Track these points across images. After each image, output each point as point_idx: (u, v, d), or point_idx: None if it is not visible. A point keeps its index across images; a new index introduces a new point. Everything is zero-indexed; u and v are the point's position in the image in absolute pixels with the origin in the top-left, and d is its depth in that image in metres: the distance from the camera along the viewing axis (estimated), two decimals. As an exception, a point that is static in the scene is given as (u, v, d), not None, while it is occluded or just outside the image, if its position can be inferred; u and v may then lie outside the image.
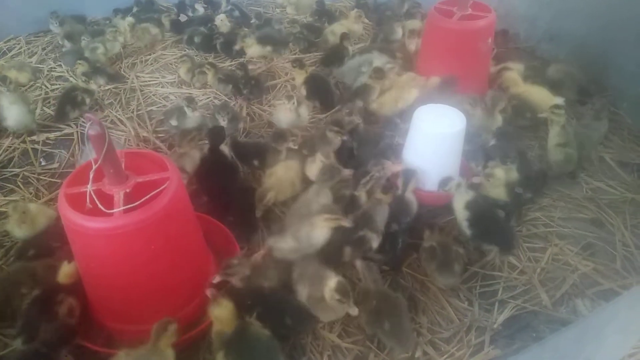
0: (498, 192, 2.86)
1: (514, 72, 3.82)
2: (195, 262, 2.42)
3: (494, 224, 2.68)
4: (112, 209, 2.02)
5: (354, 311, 2.24)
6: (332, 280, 2.25)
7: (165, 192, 2.08)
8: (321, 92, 3.88)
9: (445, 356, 2.30)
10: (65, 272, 2.33)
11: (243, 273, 2.38)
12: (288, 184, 2.99)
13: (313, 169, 2.96)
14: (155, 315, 2.22)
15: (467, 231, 2.67)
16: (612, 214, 3.05)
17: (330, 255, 2.54)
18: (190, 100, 3.55)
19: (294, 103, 3.54)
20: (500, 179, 2.85)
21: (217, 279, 2.35)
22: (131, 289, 2.19)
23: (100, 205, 2.02)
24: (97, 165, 2.04)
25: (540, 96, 3.63)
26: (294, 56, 4.67)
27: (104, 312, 2.34)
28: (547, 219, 2.99)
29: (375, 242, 2.55)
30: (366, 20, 5.10)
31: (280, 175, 3.00)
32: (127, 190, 2.09)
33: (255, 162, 3.24)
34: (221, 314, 2.13)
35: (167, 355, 2.05)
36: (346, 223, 2.45)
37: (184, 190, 2.28)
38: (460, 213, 2.70)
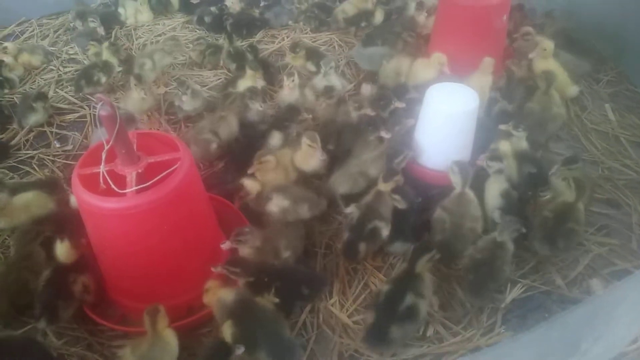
0: (509, 166, 2.80)
1: (549, 43, 3.61)
2: (207, 242, 2.44)
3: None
4: (125, 189, 2.04)
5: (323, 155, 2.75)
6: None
7: (176, 172, 2.09)
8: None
9: (456, 336, 2.31)
10: (60, 251, 2.33)
11: (253, 243, 2.41)
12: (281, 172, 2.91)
13: (302, 157, 2.87)
14: (168, 294, 2.28)
15: (498, 220, 2.56)
16: (628, 194, 2.99)
17: (347, 254, 2.57)
18: (181, 84, 3.54)
19: (293, 80, 3.49)
20: (507, 152, 2.80)
21: (227, 245, 2.38)
22: (145, 268, 2.22)
23: (113, 186, 2.04)
24: (109, 146, 2.06)
25: (559, 83, 3.48)
26: (305, 35, 4.64)
27: (118, 290, 2.38)
28: (561, 199, 2.95)
29: (385, 230, 2.53)
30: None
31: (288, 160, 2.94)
32: (140, 171, 2.11)
33: None
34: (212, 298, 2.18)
35: (169, 339, 2.08)
36: (321, 156, 2.77)
37: (196, 170, 2.30)
38: (494, 200, 2.64)
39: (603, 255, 2.66)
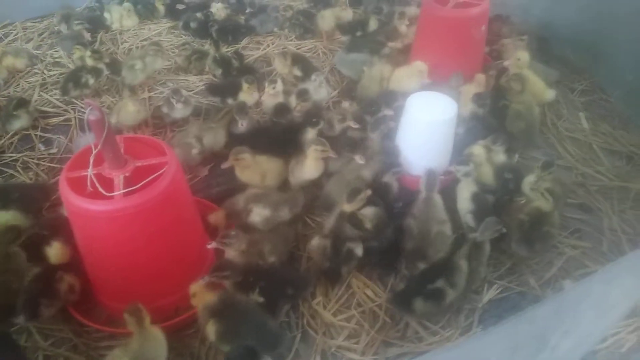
0: (484, 172, 2.90)
1: (523, 54, 3.73)
2: (193, 244, 2.48)
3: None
4: (112, 192, 2.08)
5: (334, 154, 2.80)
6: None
7: (163, 176, 2.13)
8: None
9: (435, 336, 2.39)
10: (52, 253, 2.38)
11: (239, 246, 2.46)
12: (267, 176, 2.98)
13: (309, 164, 2.89)
14: (155, 295, 2.31)
15: (471, 223, 2.68)
16: (600, 199, 3.12)
17: (332, 280, 2.61)
18: (175, 92, 3.55)
19: (273, 87, 3.55)
20: (480, 157, 2.90)
21: (212, 245, 2.43)
22: (131, 270, 2.26)
23: (100, 189, 2.08)
24: (97, 150, 2.10)
25: (535, 89, 3.65)
26: (290, 42, 4.72)
27: (105, 292, 2.41)
28: (536, 203, 3.06)
29: (358, 250, 2.57)
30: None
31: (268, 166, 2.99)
32: (127, 174, 2.15)
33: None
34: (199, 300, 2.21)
35: (157, 334, 2.11)
36: (333, 154, 2.79)
37: (182, 174, 2.34)
38: (465, 203, 2.74)
39: (576, 258, 2.77)
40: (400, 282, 2.60)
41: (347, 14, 4.74)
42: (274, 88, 3.55)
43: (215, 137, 3.24)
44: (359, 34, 4.51)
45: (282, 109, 3.35)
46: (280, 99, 3.56)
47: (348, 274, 2.63)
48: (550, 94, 3.70)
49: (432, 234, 2.58)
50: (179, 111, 3.55)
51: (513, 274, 2.68)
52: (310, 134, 3.17)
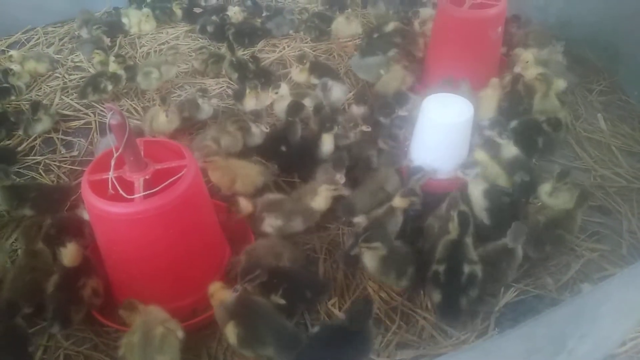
0: (495, 173, 2.90)
1: (528, 55, 3.81)
2: (211, 246, 2.52)
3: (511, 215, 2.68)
4: (133, 194, 2.12)
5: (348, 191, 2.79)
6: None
7: (183, 179, 2.17)
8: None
9: (451, 339, 2.39)
10: (66, 254, 2.40)
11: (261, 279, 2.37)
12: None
13: (319, 201, 2.81)
14: (173, 296, 2.36)
15: (487, 221, 2.69)
16: (619, 201, 3.08)
17: (347, 260, 2.63)
18: (204, 92, 3.63)
19: (276, 92, 3.54)
20: (484, 160, 2.89)
21: (236, 293, 2.25)
22: (151, 271, 2.30)
23: (121, 191, 2.12)
24: (118, 153, 2.14)
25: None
26: (305, 44, 4.75)
27: (124, 292, 2.45)
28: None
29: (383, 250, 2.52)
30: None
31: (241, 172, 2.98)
32: (147, 177, 2.19)
33: (283, 148, 3.27)
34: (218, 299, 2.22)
35: (156, 310, 2.17)
36: (345, 192, 2.75)
37: (201, 177, 2.38)
38: (479, 202, 2.73)
39: (594, 261, 2.74)
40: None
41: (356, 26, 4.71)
42: (276, 93, 3.55)
43: (233, 140, 3.26)
44: (375, 35, 4.50)
45: (295, 108, 3.33)
46: (286, 102, 3.53)
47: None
48: (561, 84, 3.64)
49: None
50: (205, 112, 3.62)
51: (530, 276, 2.66)
52: (327, 142, 3.15)
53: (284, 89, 3.60)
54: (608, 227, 2.94)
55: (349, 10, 4.80)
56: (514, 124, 3.29)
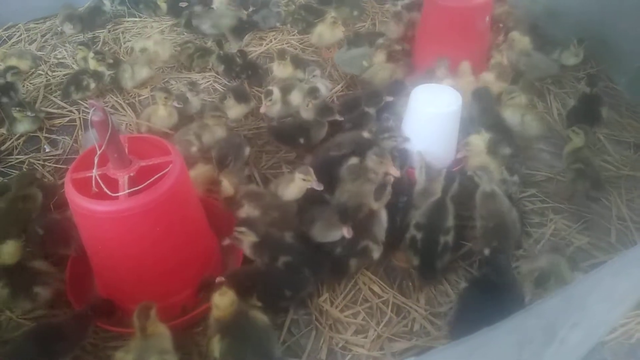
0: (480, 161, 2.88)
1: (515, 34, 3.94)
2: (199, 243, 2.49)
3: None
4: (118, 192, 2.08)
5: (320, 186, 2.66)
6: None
7: (168, 175, 2.13)
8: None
9: (441, 331, 2.38)
10: (5, 251, 2.41)
11: (250, 241, 2.46)
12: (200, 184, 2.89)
13: (292, 188, 2.77)
14: (161, 294, 2.32)
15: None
16: (608, 189, 3.08)
17: (337, 269, 2.59)
18: (193, 85, 3.59)
19: (270, 100, 3.43)
20: (478, 146, 2.88)
21: (227, 242, 2.48)
22: (138, 270, 2.27)
23: (105, 189, 2.08)
24: (101, 151, 2.10)
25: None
26: (292, 37, 4.70)
27: (112, 292, 2.42)
28: (543, 194, 3.04)
29: (376, 253, 2.56)
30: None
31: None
32: (132, 174, 2.15)
33: (301, 140, 3.24)
34: (222, 302, 2.13)
35: (162, 334, 2.10)
36: (317, 186, 2.66)
37: (187, 173, 2.34)
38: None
39: (583, 249, 2.75)
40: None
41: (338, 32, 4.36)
42: (270, 100, 3.45)
43: (212, 135, 3.22)
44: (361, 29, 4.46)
45: (325, 110, 3.26)
46: (279, 105, 3.49)
47: (356, 270, 2.63)
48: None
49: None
50: (194, 106, 3.58)
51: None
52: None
53: (276, 94, 3.48)
54: (597, 214, 2.95)
55: (330, 15, 4.33)
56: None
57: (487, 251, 2.53)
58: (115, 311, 2.36)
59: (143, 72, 4.01)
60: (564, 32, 4.20)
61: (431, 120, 2.81)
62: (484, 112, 3.21)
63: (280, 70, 3.84)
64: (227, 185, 2.79)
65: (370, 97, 3.33)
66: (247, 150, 3.18)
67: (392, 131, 2.92)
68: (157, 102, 3.43)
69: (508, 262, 2.41)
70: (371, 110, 3.27)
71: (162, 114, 3.38)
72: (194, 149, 3.16)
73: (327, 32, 4.24)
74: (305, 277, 2.47)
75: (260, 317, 2.19)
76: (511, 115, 3.27)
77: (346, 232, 2.49)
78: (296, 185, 2.73)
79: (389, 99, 3.31)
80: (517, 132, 3.23)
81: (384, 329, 2.41)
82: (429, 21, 3.87)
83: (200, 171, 2.93)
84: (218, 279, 2.25)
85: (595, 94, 3.48)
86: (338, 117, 3.23)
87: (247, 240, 2.46)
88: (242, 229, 2.44)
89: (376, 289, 2.60)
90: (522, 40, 3.91)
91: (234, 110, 3.52)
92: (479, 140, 2.90)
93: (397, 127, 3.03)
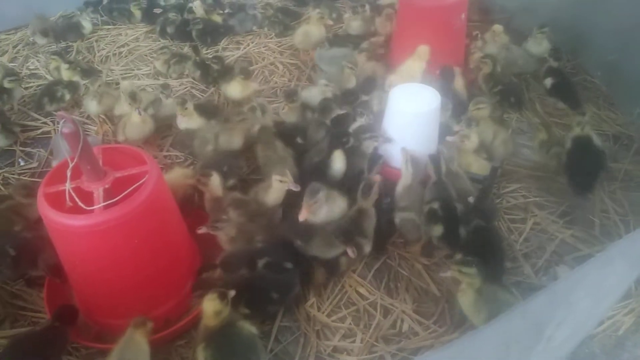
0: (466, 159, 2.90)
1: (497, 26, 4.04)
2: (180, 254, 2.43)
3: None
4: (92, 205, 2.02)
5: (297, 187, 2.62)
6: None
7: (144, 185, 2.08)
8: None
9: (428, 331, 2.37)
10: None
11: (229, 231, 2.47)
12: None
13: (271, 193, 2.73)
14: (143, 308, 2.26)
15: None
16: (590, 181, 3.10)
17: (329, 267, 2.57)
18: (165, 87, 3.53)
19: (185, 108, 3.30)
20: (473, 143, 2.90)
21: (203, 230, 2.46)
22: (117, 284, 2.21)
23: (80, 203, 2.02)
24: (73, 163, 2.04)
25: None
26: (270, 40, 4.66)
27: (92, 308, 2.36)
28: (525, 189, 3.05)
29: (367, 247, 2.55)
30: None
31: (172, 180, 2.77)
32: (106, 186, 2.09)
33: (299, 140, 3.17)
34: (209, 308, 2.09)
35: (143, 346, 2.07)
36: (294, 187, 2.62)
37: (164, 182, 2.29)
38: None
39: (568, 242, 2.76)
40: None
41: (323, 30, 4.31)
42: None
43: (230, 138, 3.15)
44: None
45: (326, 107, 3.23)
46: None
47: (345, 268, 2.61)
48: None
49: None
50: (169, 109, 3.49)
51: (508, 264, 2.65)
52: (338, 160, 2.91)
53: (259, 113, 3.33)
54: (580, 207, 2.96)
55: (316, 12, 4.34)
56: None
57: (471, 199, 2.60)
58: (77, 314, 2.28)
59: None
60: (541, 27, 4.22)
61: (411, 119, 2.79)
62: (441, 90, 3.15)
63: (185, 121, 3.38)
64: (217, 184, 2.70)
65: (346, 96, 3.32)
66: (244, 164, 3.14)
67: (373, 131, 2.89)
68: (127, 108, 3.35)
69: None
70: (348, 110, 3.24)
71: (135, 120, 3.28)
72: (210, 147, 3.08)
73: (314, 29, 4.20)
74: (290, 276, 2.43)
75: (248, 327, 2.14)
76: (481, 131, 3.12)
77: (351, 252, 2.47)
78: (275, 189, 2.69)
79: (365, 98, 3.30)
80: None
81: (372, 333, 2.38)
82: (404, 21, 3.87)
83: (177, 175, 2.87)
84: (231, 293, 2.16)
85: (561, 68, 3.73)
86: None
87: (224, 232, 2.46)
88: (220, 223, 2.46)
89: (363, 291, 2.57)
90: (503, 34, 3.96)
91: (191, 120, 3.35)
92: (476, 139, 2.92)
93: (375, 125, 3.00)
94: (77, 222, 1.98)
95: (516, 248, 2.72)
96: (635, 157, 3.28)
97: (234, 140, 3.16)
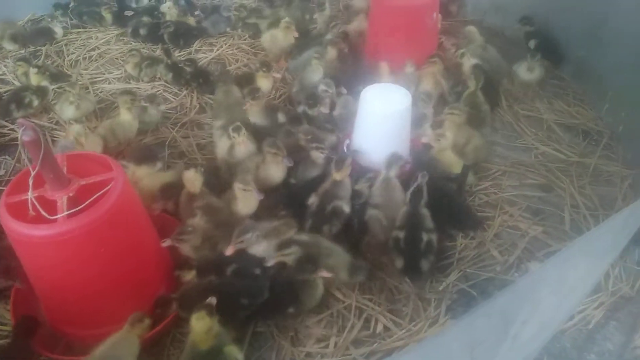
0: (447, 157, 2.92)
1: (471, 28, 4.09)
2: (150, 260, 2.39)
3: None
4: (56, 214, 1.97)
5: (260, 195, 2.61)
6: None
7: (110, 192, 2.04)
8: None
9: (404, 330, 2.36)
10: None
11: (195, 241, 2.44)
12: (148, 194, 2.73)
13: (238, 204, 2.69)
14: (113, 318, 2.21)
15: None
16: (561, 177, 3.15)
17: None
18: (152, 99, 3.51)
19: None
20: (448, 140, 2.91)
21: (167, 243, 2.41)
22: (85, 295, 2.15)
23: (43, 212, 1.97)
24: (35, 172, 1.98)
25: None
26: (243, 42, 4.63)
27: (60, 319, 2.30)
28: (497, 187, 3.07)
29: (346, 207, 2.63)
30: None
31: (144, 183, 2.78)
32: (71, 195, 2.04)
33: None
34: (198, 326, 2.04)
35: (135, 343, 2.06)
36: (258, 196, 2.62)
37: (131, 188, 2.25)
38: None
39: (539, 238, 2.78)
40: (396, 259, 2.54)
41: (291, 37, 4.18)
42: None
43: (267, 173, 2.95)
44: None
45: (296, 119, 3.25)
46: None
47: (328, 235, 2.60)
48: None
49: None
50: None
51: (479, 260, 2.67)
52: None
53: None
54: (550, 203, 3.00)
55: (284, 20, 4.19)
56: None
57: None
58: (36, 324, 2.22)
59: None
60: (512, 26, 4.28)
61: (382, 119, 2.80)
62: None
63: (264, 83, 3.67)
64: (195, 179, 2.67)
65: (308, 98, 3.33)
66: None
67: (319, 142, 2.89)
68: (121, 106, 3.32)
69: None
70: (311, 112, 3.27)
71: (126, 119, 3.26)
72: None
73: (280, 35, 4.15)
74: (259, 281, 2.40)
75: (235, 354, 2.08)
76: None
77: (326, 274, 2.40)
78: (240, 198, 2.66)
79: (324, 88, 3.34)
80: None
81: (346, 336, 2.36)
82: (376, 20, 3.87)
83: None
84: (209, 300, 2.12)
85: (539, 29, 4.11)
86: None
87: (188, 244, 2.45)
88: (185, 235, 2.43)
89: (338, 294, 2.55)
90: (477, 34, 3.99)
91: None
92: (448, 136, 2.94)
93: (323, 139, 2.96)
94: (39, 232, 1.93)
95: (488, 245, 2.73)
96: (604, 152, 3.33)
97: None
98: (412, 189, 2.55)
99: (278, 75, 3.88)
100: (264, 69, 3.66)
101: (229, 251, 2.39)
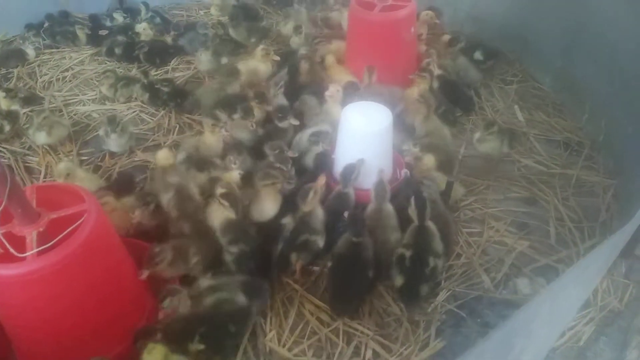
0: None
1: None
2: (127, 294, 2.29)
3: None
4: (25, 252, 1.87)
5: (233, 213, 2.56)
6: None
7: (82, 226, 1.94)
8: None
9: (393, 355, 2.30)
10: None
11: (167, 258, 2.39)
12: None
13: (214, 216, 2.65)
14: (92, 353, 2.10)
15: None
16: (544, 189, 3.14)
17: (280, 264, 2.58)
18: (111, 121, 3.36)
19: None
20: (428, 164, 2.85)
21: (144, 274, 2.33)
22: (59, 335, 2.05)
23: (11, 249, 1.87)
24: (2, 207, 1.88)
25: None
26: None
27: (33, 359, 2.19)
28: (481, 202, 3.05)
29: (320, 242, 2.57)
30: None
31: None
32: (41, 230, 1.94)
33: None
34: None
35: None
36: (232, 214, 2.57)
37: (106, 220, 2.15)
38: None
39: (525, 253, 2.76)
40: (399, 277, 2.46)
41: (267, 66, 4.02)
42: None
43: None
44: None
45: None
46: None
47: (295, 264, 2.57)
48: None
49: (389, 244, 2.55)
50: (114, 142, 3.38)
51: (466, 278, 2.63)
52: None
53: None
54: (535, 216, 2.98)
55: (260, 47, 4.02)
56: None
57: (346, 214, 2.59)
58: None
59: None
60: (489, 37, 4.29)
61: (363, 138, 2.75)
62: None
63: None
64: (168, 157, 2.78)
65: (279, 111, 3.29)
66: None
67: (284, 163, 2.84)
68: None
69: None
70: (282, 125, 3.24)
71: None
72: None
73: (261, 65, 3.97)
74: (247, 307, 2.35)
75: None
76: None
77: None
78: (216, 213, 2.62)
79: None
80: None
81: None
82: (354, 35, 3.85)
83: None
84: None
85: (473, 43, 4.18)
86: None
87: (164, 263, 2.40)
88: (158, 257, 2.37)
89: (325, 317, 2.49)
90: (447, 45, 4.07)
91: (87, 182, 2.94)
92: (431, 160, 2.87)
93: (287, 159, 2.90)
94: (7, 272, 1.82)
95: (475, 262, 2.70)
96: (586, 163, 3.34)
97: None
98: (412, 201, 2.49)
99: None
100: (257, 100, 3.44)
101: (143, 275, 2.34)
